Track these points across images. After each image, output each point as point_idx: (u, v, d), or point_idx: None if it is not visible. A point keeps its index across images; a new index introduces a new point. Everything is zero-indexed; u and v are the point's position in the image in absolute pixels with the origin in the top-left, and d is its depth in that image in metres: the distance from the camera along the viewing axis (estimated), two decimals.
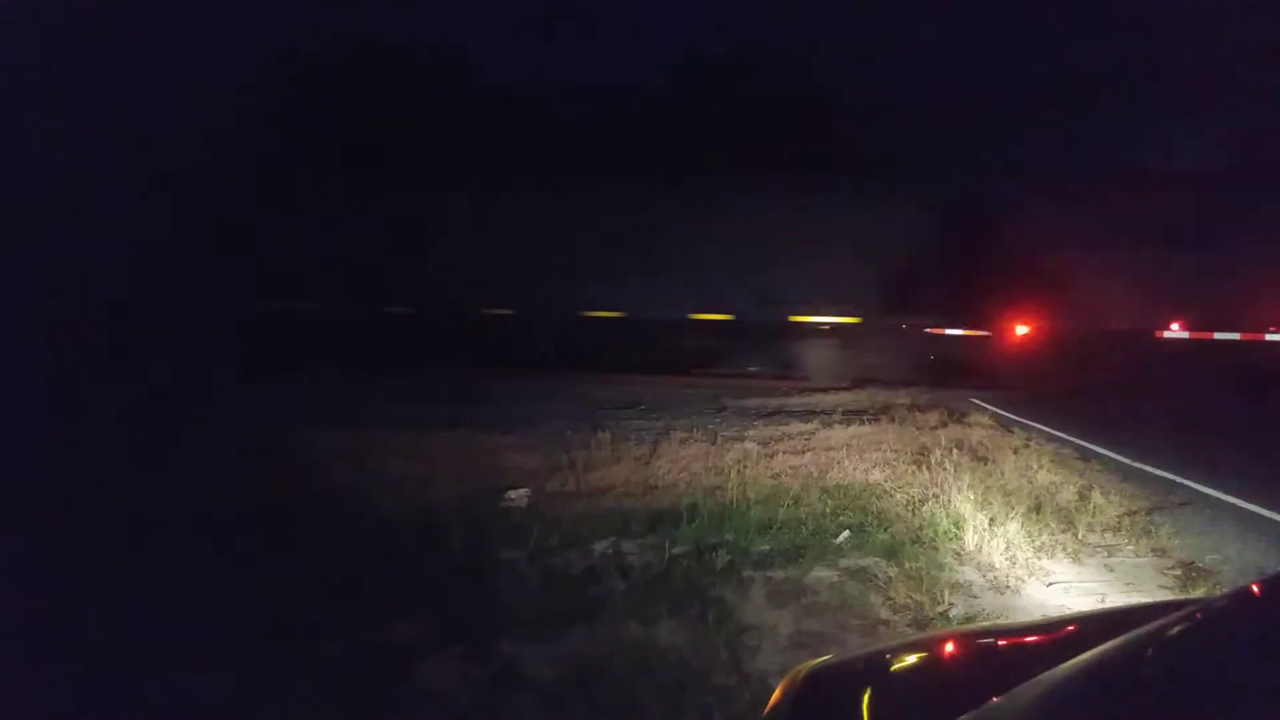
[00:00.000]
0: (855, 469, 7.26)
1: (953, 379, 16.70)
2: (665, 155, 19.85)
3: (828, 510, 5.86)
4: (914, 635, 3.63)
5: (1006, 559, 4.81)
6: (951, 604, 4.16)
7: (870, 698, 1.60)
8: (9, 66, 14.66)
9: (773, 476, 6.99)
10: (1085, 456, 8.55)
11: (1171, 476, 7.56)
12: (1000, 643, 1.97)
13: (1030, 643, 1.91)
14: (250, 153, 18.06)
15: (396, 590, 4.14)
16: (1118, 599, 4.37)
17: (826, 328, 20.77)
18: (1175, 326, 19.65)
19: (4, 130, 14.15)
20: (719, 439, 8.76)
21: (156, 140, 16.98)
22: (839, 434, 9.27)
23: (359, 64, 21.37)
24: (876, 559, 4.86)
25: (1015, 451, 8.19)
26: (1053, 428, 10.57)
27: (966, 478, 6.56)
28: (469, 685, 3.33)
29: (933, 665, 1.82)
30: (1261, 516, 6.19)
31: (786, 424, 10.13)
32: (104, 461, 6.69)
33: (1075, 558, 5.07)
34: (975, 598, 4.34)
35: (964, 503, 5.67)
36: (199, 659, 3.38)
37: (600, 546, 5.00)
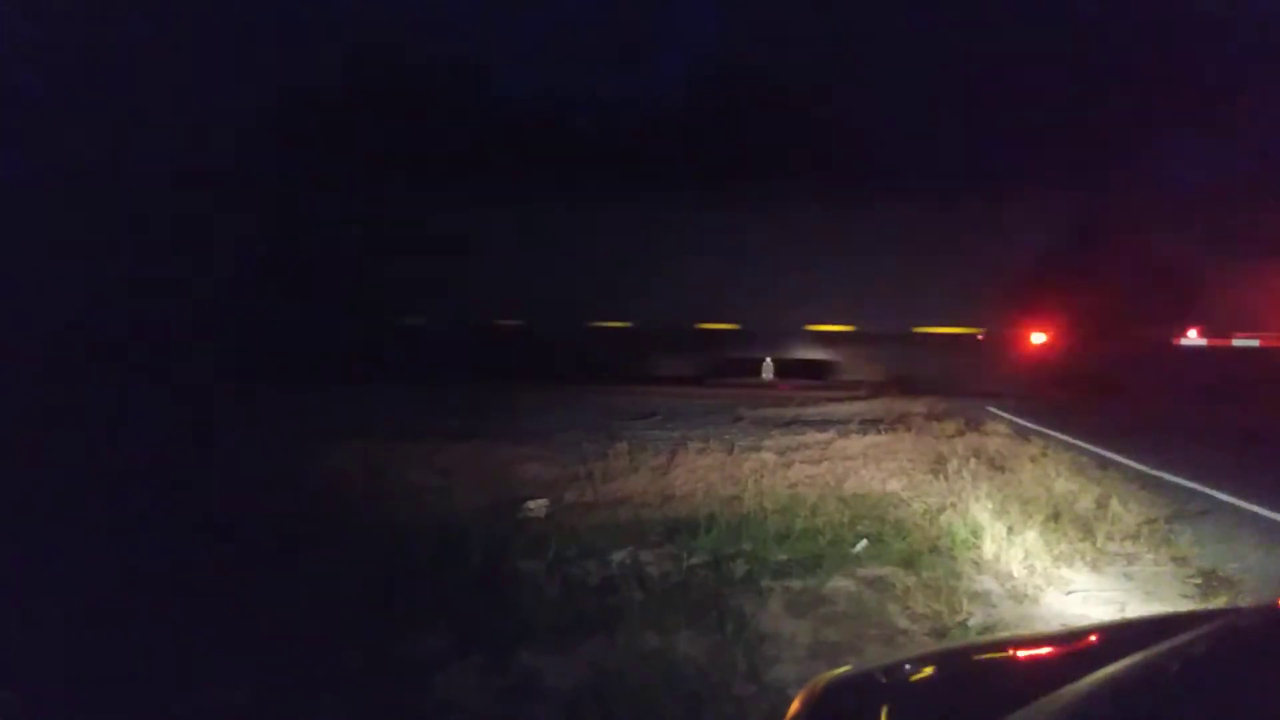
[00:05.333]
0: (872, 478, 7.25)
1: (969, 387, 16.59)
2: (670, 167, 19.85)
3: (845, 520, 5.84)
4: (933, 646, 3.61)
5: (1025, 568, 4.78)
6: (970, 613, 4.15)
7: (889, 710, 1.61)
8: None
9: (790, 486, 6.98)
10: (1103, 464, 8.48)
11: (1191, 484, 7.49)
12: (1020, 654, 1.96)
13: (1050, 654, 1.90)
14: (268, 166, 18.27)
15: (416, 600, 4.16)
16: (1138, 608, 4.33)
17: (835, 335, 20.65)
18: (1193, 333, 19.43)
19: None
20: (735, 449, 8.75)
21: (172, 159, 17.25)
22: (855, 443, 9.24)
23: (374, 77, 21.53)
24: (894, 568, 4.84)
25: (1033, 460, 8.13)
26: (1070, 435, 10.49)
27: (984, 486, 6.55)
28: (488, 695, 3.34)
29: (952, 677, 1.81)
30: None
31: (803, 433, 10.10)
32: (121, 465, 6.80)
33: (1094, 566, 5.04)
34: (994, 607, 4.32)
35: (982, 511, 5.65)
36: (218, 669, 3.42)
37: (618, 556, 5.01)
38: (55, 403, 10.31)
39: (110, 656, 3.50)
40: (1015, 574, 4.74)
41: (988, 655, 2.01)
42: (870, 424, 11.17)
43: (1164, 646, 1.34)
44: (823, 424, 11.20)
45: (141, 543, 4.82)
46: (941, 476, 7.06)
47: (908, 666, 1.90)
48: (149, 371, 12.69)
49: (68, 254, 14.56)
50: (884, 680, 1.77)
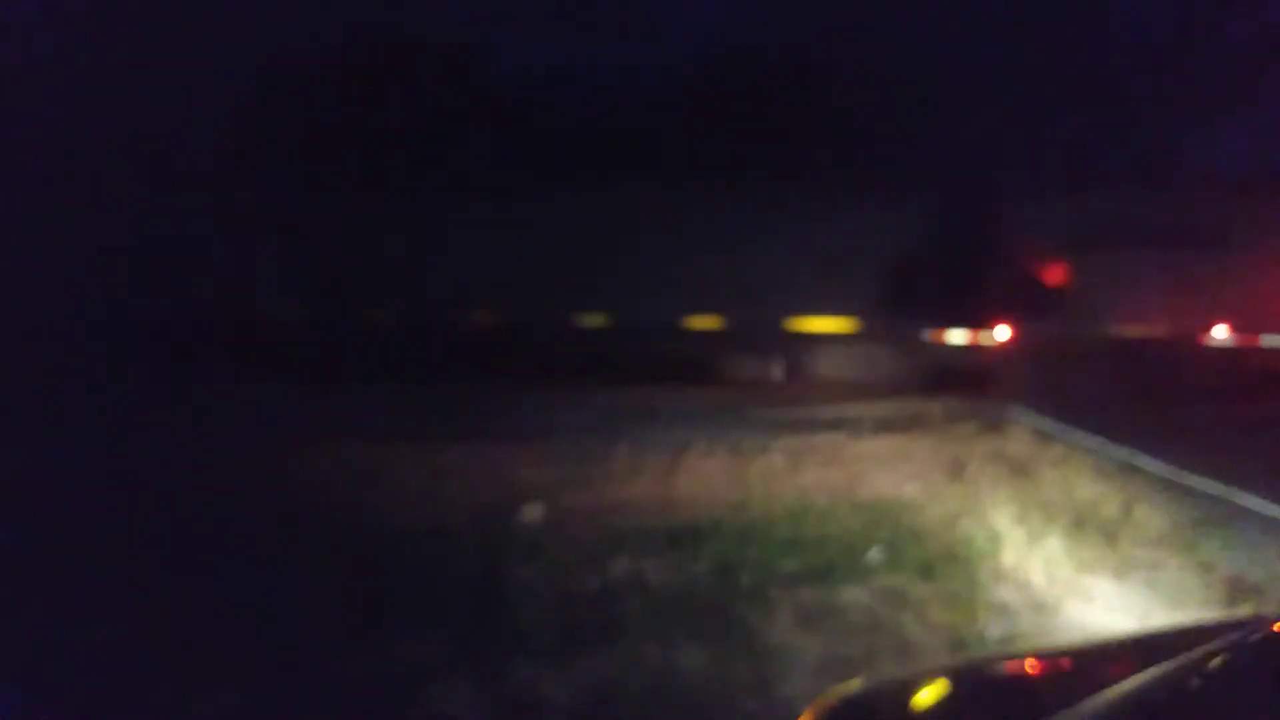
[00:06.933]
0: (886, 482, 7.11)
1: (984, 388, 16.46)
2: (671, 156, 19.76)
3: (857, 526, 5.71)
4: (948, 660, 3.54)
5: (1045, 576, 4.68)
6: (988, 624, 4.05)
7: None
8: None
9: (799, 490, 6.87)
10: (1127, 467, 8.32)
11: (1218, 488, 7.31)
12: (1040, 667, 1.92)
13: (1071, 667, 1.85)
14: (254, 153, 18.26)
15: (408, 609, 4.11)
16: (1161, 618, 4.24)
17: (842, 335, 20.60)
18: (1221, 329, 19.11)
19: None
20: (742, 451, 8.63)
21: (161, 142, 17.28)
22: (868, 445, 9.10)
23: (363, 59, 21.48)
24: (909, 577, 4.72)
25: (1054, 463, 7.98)
26: (1093, 437, 10.32)
27: (1003, 491, 6.42)
28: (482, 709, 3.28)
29: (967, 691, 1.77)
30: None
31: (812, 435, 9.96)
32: (103, 462, 6.75)
33: (1117, 574, 4.89)
34: (1013, 617, 4.22)
35: (1001, 517, 5.54)
36: (205, 679, 3.35)
37: (618, 564, 4.89)
38: (36, 397, 10.28)
39: (97, 666, 3.44)
40: (1035, 583, 4.63)
41: (1006, 669, 2.01)
42: (883, 425, 11.01)
43: (1188, 657, 1.30)
44: (833, 425, 11.05)
45: (124, 550, 4.74)
46: (959, 480, 6.93)
47: (921, 681, 1.87)
48: (122, 366, 12.61)
49: (43, 245, 14.56)
50: (896, 695, 1.74)
